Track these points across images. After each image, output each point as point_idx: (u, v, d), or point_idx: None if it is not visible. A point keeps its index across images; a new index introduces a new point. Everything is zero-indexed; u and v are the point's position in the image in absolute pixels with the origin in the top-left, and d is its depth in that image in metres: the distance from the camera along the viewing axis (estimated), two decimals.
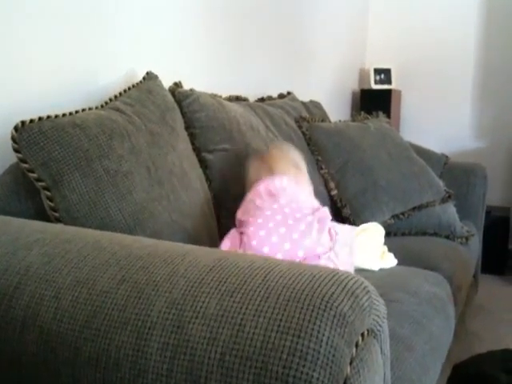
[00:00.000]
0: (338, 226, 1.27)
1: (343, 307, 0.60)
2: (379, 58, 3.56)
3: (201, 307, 0.63)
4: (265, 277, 0.65)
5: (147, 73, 1.49)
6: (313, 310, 0.59)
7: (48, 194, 1.04)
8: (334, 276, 0.64)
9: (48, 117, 1.08)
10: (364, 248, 1.53)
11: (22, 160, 1.03)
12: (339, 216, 1.96)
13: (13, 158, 1.09)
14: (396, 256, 1.60)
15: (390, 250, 1.61)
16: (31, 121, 1.04)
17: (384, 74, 3.42)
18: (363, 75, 3.60)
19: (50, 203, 1.04)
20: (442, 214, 2.02)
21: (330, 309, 0.59)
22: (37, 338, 0.70)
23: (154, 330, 0.63)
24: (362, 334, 0.62)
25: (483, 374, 1.35)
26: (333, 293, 0.61)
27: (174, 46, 1.81)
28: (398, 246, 1.68)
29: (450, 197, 2.08)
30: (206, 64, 2.01)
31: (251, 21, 2.31)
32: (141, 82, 1.45)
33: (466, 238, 2.03)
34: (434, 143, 2.90)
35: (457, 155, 2.97)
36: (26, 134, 1.02)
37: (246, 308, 0.61)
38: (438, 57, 3.45)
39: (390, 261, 1.56)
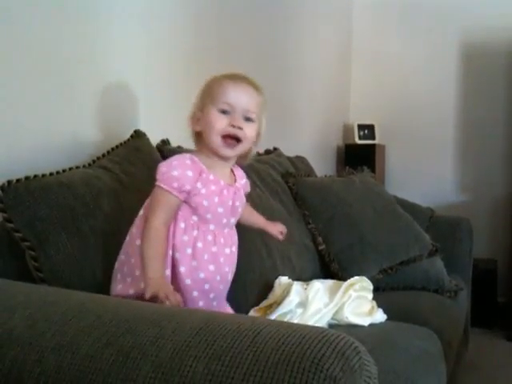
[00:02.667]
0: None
1: (333, 370, 0.59)
2: (362, 114, 3.63)
3: (188, 371, 0.61)
4: (253, 339, 0.64)
5: (135, 131, 1.51)
6: (303, 374, 0.58)
7: (33, 253, 1.03)
8: (323, 336, 0.63)
9: (35, 176, 1.08)
10: (353, 303, 1.52)
11: (7, 220, 1.03)
12: (327, 271, 1.95)
13: None
14: (385, 311, 1.58)
15: (378, 305, 1.59)
16: (17, 180, 1.04)
17: (368, 130, 3.48)
18: (347, 131, 3.67)
19: (35, 263, 1.03)
20: (430, 268, 2.02)
21: (321, 371, 0.58)
22: None
23: None
24: None
25: None
26: (323, 354, 0.60)
27: (162, 103, 1.84)
28: (386, 301, 1.67)
29: (436, 250, 2.08)
30: None
31: None
32: (128, 139, 1.46)
33: (455, 292, 2.02)
34: (419, 197, 2.92)
35: (441, 208, 2.99)
36: (12, 193, 1.02)
37: (235, 372, 0.60)
38: (419, 113, 3.53)
39: (379, 316, 1.55)
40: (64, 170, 1.17)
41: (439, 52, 3.48)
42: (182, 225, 1.10)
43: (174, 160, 1.11)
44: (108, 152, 1.36)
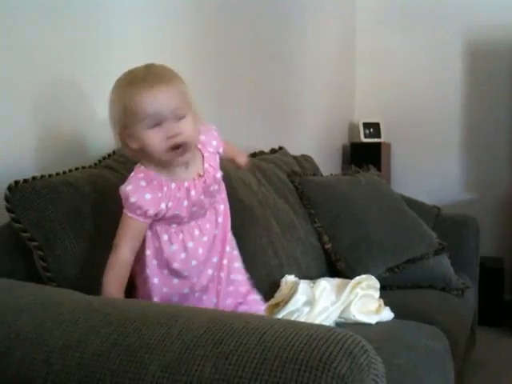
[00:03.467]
0: None
1: (341, 368, 0.59)
2: (368, 112, 3.62)
3: (196, 370, 0.61)
4: (260, 338, 0.64)
5: None
6: (310, 372, 0.58)
7: (40, 253, 1.03)
8: (331, 335, 0.63)
9: (41, 176, 1.08)
10: (360, 301, 1.52)
11: (14, 220, 1.03)
12: (334, 269, 1.95)
13: (4, 218, 1.08)
14: (392, 310, 1.58)
15: (385, 303, 1.59)
16: (25, 180, 1.05)
17: (373, 128, 3.47)
18: (353, 129, 3.66)
19: (43, 263, 1.03)
20: (436, 267, 2.01)
21: (328, 370, 0.58)
22: None
23: None
24: None
25: None
26: (330, 353, 0.60)
27: None
28: (393, 299, 1.66)
29: (443, 249, 2.07)
30: None
31: (242, 78, 2.36)
32: None
33: (462, 291, 2.01)
34: (425, 195, 2.92)
35: (448, 207, 2.97)
36: (20, 193, 1.02)
37: (243, 371, 0.60)
38: (425, 111, 3.52)
39: (386, 314, 1.54)
40: (70, 170, 1.17)
41: (444, 50, 3.47)
42: (165, 237, 1.07)
43: (128, 185, 1.04)
44: (113, 152, 1.37)
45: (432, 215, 2.40)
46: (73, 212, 1.06)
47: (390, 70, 3.61)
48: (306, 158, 2.56)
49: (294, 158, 2.40)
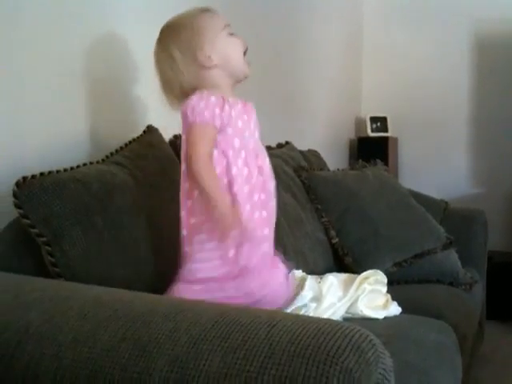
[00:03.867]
0: None
1: (349, 362, 0.59)
2: (375, 106, 3.61)
3: (204, 365, 0.61)
4: (268, 332, 0.64)
5: (147, 126, 1.51)
6: (318, 367, 0.58)
7: (49, 249, 1.03)
8: (339, 329, 0.63)
9: (49, 172, 1.08)
10: (367, 296, 1.52)
11: (23, 215, 1.03)
12: (341, 264, 1.95)
13: (12, 214, 1.09)
14: (399, 304, 1.57)
15: (393, 298, 1.59)
16: (33, 176, 1.05)
17: (380, 122, 3.46)
18: (360, 123, 3.65)
19: (51, 258, 1.03)
20: (445, 261, 2.01)
21: (336, 364, 0.58)
22: None
23: None
24: None
25: None
26: (338, 347, 0.60)
27: None
28: (401, 294, 1.66)
29: (451, 243, 2.07)
30: None
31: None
32: (141, 135, 1.46)
33: (470, 285, 2.00)
34: (433, 189, 2.91)
35: (456, 201, 2.96)
36: (28, 189, 1.03)
37: (250, 365, 0.60)
38: (432, 105, 3.50)
39: (393, 309, 1.54)
40: (78, 166, 1.17)
41: (452, 43, 3.45)
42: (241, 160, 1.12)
43: (192, 98, 1.10)
44: (121, 148, 1.37)
45: (440, 210, 2.39)
46: (81, 208, 1.06)
47: (397, 64, 3.60)
48: (312, 153, 2.56)
49: (301, 152, 2.39)
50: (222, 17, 1.18)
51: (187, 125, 1.10)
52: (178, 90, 1.16)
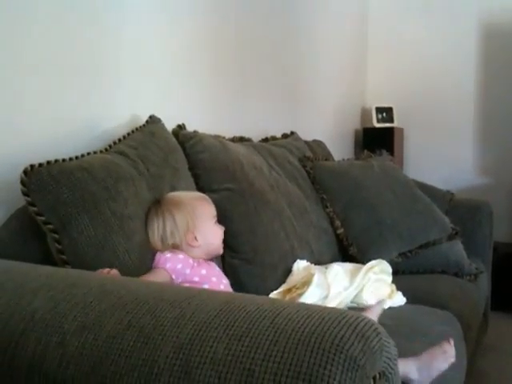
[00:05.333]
0: None
1: (354, 350, 0.59)
2: (380, 96, 3.60)
3: (209, 352, 0.62)
4: (273, 320, 0.64)
5: (150, 116, 1.51)
6: (323, 354, 0.58)
7: (56, 236, 1.04)
8: (343, 318, 0.63)
9: (56, 161, 1.09)
10: (372, 286, 1.52)
11: (30, 203, 1.04)
12: (346, 254, 1.95)
13: (19, 203, 1.09)
14: (404, 294, 1.58)
15: (398, 288, 1.59)
16: (40, 165, 1.05)
17: (386, 113, 3.45)
18: (365, 114, 3.64)
19: (58, 246, 1.04)
20: (450, 252, 2.00)
21: (341, 352, 0.58)
22: None
23: (161, 375, 0.62)
24: (374, 378, 0.60)
25: None
26: (343, 335, 0.60)
27: (177, 89, 1.84)
28: (406, 284, 1.66)
29: (456, 234, 2.06)
30: (209, 106, 2.03)
31: (252, 62, 2.35)
32: (144, 125, 1.46)
33: (475, 276, 2.00)
34: (438, 180, 2.90)
35: (461, 192, 2.95)
36: (35, 177, 1.03)
37: (255, 352, 0.60)
38: (438, 95, 3.49)
39: (398, 299, 1.54)
40: (83, 155, 1.18)
41: (459, 32, 3.42)
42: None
43: (168, 254, 1.21)
44: (124, 137, 1.37)
45: (445, 200, 2.38)
46: (88, 196, 1.06)
47: (403, 54, 3.58)
48: (318, 143, 2.56)
49: (306, 143, 2.39)
50: (212, 206, 1.35)
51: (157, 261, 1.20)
52: (158, 239, 1.24)
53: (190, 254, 1.25)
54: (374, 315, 1.35)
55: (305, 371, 0.57)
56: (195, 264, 1.23)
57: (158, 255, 1.19)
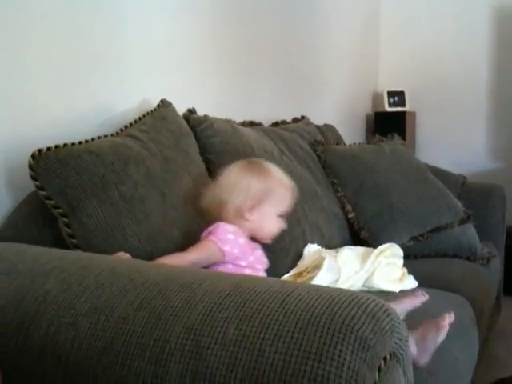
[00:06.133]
0: None
1: (364, 330, 0.59)
2: (392, 80, 3.56)
3: (219, 332, 0.62)
4: (283, 301, 0.64)
5: (161, 100, 1.51)
6: (333, 334, 0.58)
7: (65, 220, 1.04)
8: (353, 299, 0.63)
9: (64, 145, 1.09)
10: (383, 269, 1.51)
11: (39, 187, 1.04)
12: (357, 239, 1.94)
13: (30, 187, 1.10)
14: (416, 278, 1.57)
15: (409, 272, 1.58)
16: (48, 149, 1.06)
17: (398, 97, 3.41)
18: (377, 98, 3.61)
19: (68, 230, 1.04)
20: (462, 236, 1.99)
21: (351, 332, 0.58)
22: (55, 367, 0.69)
23: (172, 356, 0.62)
24: (385, 358, 0.60)
25: None
26: (353, 316, 0.60)
27: (188, 73, 1.83)
28: (417, 268, 1.65)
29: (469, 217, 2.05)
30: (219, 90, 2.03)
31: (264, 46, 2.33)
32: (155, 109, 1.46)
33: (487, 260, 1.99)
34: (451, 164, 2.87)
35: (474, 176, 2.93)
36: (43, 161, 1.03)
37: (265, 333, 0.60)
38: (451, 78, 3.45)
39: (410, 283, 1.54)
40: (93, 139, 1.18)
41: (471, 16, 3.37)
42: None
43: (232, 226, 1.20)
44: (135, 121, 1.37)
45: (457, 184, 2.37)
46: (96, 180, 1.06)
47: (415, 38, 3.53)
48: (329, 128, 2.54)
49: (317, 127, 2.38)
50: (291, 201, 1.31)
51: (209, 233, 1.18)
52: (217, 204, 1.24)
53: (239, 224, 1.22)
54: (400, 309, 1.25)
55: (315, 351, 0.57)
56: (249, 250, 1.22)
57: (222, 228, 1.17)
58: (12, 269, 0.84)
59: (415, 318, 1.25)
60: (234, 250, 1.17)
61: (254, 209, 1.24)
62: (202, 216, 1.27)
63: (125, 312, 0.69)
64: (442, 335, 1.09)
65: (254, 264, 1.23)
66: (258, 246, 1.30)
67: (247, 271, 1.20)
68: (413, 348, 1.07)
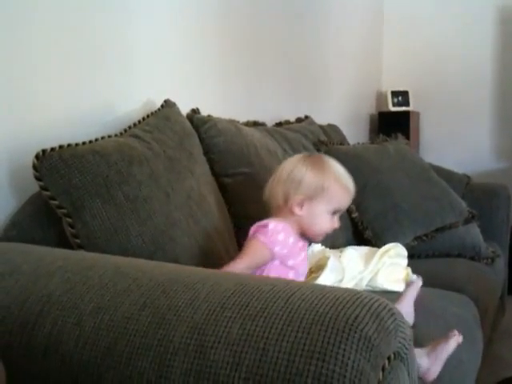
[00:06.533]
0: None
1: (368, 330, 0.59)
2: (396, 80, 3.56)
3: (223, 332, 0.62)
4: (287, 300, 0.64)
5: (165, 101, 1.51)
6: (337, 334, 0.58)
7: (69, 220, 1.05)
8: (357, 298, 0.63)
9: (68, 145, 1.09)
10: (387, 269, 1.51)
11: (43, 188, 1.04)
12: (361, 238, 1.94)
13: (34, 187, 1.10)
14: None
15: (413, 272, 1.58)
16: (52, 149, 1.06)
17: (401, 96, 3.41)
18: (380, 98, 3.60)
19: (72, 230, 1.05)
20: (466, 235, 1.99)
21: (355, 332, 0.58)
22: (59, 367, 0.69)
23: (176, 355, 0.62)
24: (389, 358, 0.60)
25: None
26: (357, 315, 0.60)
27: (191, 74, 1.83)
28: (421, 267, 1.65)
29: (473, 217, 2.04)
30: (223, 90, 2.03)
31: (267, 46, 2.33)
32: (159, 109, 1.46)
33: (492, 259, 1.99)
34: (455, 164, 2.86)
35: (478, 176, 2.92)
36: (47, 162, 1.04)
37: (269, 332, 0.60)
38: (455, 78, 3.44)
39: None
40: (96, 139, 1.18)
41: (475, 15, 3.36)
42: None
43: (281, 223, 1.18)
44: (139, 121, 1.37)
45: (462, 184, 2.36)
46: (100, 180, 1.06)
47: (419, 37, 3.53)
48: (332, 128, 2.54)
49: (321, 127, 2.38)
50: (348, 200, 1.27)
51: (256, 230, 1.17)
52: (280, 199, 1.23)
53: (288, 219, 1.21)
54: (406, 303, 1.27)
55: (319, 350, 0.57)
56: (297, 250, 1.20)
57: (272, 228, 1.15)
58: (16, 269, 0.84)
59: (423, 320, 1.25)
60: (284, 250, 1.16)
61: (305, 203, 1.21)
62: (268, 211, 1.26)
63: (129, 312, 0.69)
64: (451, 346, 1.09)
65: (299, 267, 1.21)
66: (305, 246, 1.27)
67: (290, 275, 1.19)
68: (424, 361, 1.07)
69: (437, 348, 1.08)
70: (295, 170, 1.22)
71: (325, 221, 1.24)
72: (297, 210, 1.21)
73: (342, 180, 1.25)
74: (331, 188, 1.22)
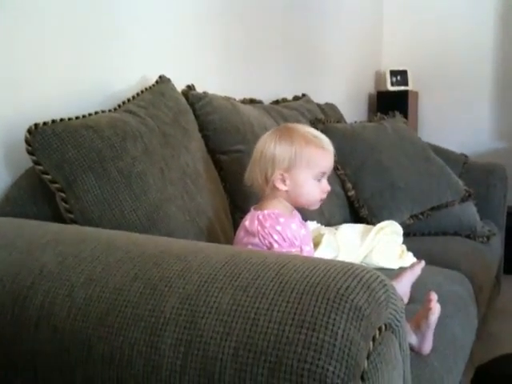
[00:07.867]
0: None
1: (359, 300, 0.59)
2: (395, 59, 3.53)
3: (214, 302, 0.62)
4: (278, 271, 0.64)
5: (160, 76, 1.49)
6: (327, 303, 0.58)
7: (63, 195, 1.04)
8: (349, 269, 0.63)
9: (61, 119, 1.08)
10: (382, 246, 1.51)
11: (36, 162, 1.04)
12: (357, 217, 1.94)
13: (29, 163, 1.09)
14: (416, 255, 1.57)
15: (409, 249, 1.58)
16: (44, 123, 1.05)
17: (400, 76, 3.39)
18: (379, 77, 3.58)
19: (65, 205, 1.04)
20: (462, 214, 1.99)
21: (346, 302, 0.58)
22: (51, 338, 0.69)
23: (167, 325, 0.62)
24: (379, 328, 0.60)
25: (507, 375, 1.32)
26: (348, 286, 0.60)
27: (187, 50, 1.81)
28: (417, 245, 1.66)
29: (469, 196, 2.04)
30: (220, 67, 2.01)
31: (264, 23, 2.31)
32: (153, 85, 1.45)
33: (488, 237, 1.99)
34: (454, 144, 2.85)
35: (477, 156, 2.91)
36: (40, 136, 1.03)
37: (260, 302, 0.60)
38: (454, 57, 3.42)
39: (409, 259, 1.54)
40: (90, 114, 1.17)
41: None
42: None
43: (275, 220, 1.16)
44: (133, 97, 1.36)
45: (459, 163, 2.36)
46: (93, 154, 1.06)
47: (419, 15, 3.50)
48: (330, 106, 2.53)
49: (318, 106, 2.37)
50: (328, 159, 1.22)
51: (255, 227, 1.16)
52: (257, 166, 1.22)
53: (277, 198, 1.20)
54: (404, 283, 1.26)
55: (309, 320, 0.57)
56: (296, 235, 1.17)
57: (269, 227, 1.13)
58: (9, 243, 0.84)
59: (417, 296, 1.26)
60: (297, 241, 1.15)
61: (286, 177, 1.18)
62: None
63: (120, 283, 0.69)
64: (433, 317, 1.07)
65: (303, 244, 1.19)
66: (304, 223, 1.27)
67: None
68: (413, 339, 1.06)
69: (421, 325, 1.07)
70: (265, 147, 1.20)
71: (312, 187, 1.21)
72: (281, 186, 1.19)
73: (313, 141, 1.20)
74: (304, 152, 1.18)
